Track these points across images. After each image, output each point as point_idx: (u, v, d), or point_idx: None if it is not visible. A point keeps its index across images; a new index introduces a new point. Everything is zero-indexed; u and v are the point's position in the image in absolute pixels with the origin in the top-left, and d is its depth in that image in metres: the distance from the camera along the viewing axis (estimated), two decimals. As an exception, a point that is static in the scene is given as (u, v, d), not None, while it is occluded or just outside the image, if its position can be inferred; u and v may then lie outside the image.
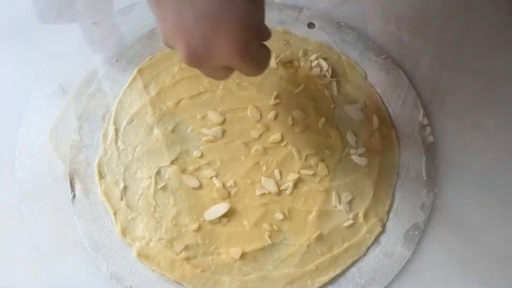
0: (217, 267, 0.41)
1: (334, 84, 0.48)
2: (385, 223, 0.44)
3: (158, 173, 0.44)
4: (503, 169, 0.47)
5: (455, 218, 0.45)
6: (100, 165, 0.45)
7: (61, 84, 0.49)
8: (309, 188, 0.44)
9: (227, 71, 0.34)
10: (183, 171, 0.45)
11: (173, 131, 0.46)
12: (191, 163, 0.45)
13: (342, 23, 0.52)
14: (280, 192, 0.44)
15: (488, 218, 0.45)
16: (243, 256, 0.42)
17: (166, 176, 0.44)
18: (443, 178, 0.46)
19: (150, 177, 0.44)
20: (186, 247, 0.42)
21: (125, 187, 0.44)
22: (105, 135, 0.46)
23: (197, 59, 0.31)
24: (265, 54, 0.34)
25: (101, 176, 0.44)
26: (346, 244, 0.43)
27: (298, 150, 0.46)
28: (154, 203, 0.43)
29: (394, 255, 0.43)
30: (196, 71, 0.48)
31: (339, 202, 0.44)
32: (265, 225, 0.43)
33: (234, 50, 0.31)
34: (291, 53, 0.50)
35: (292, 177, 0.44)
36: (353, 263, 0.42)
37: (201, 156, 0.45)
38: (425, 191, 0.45)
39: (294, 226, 0.43)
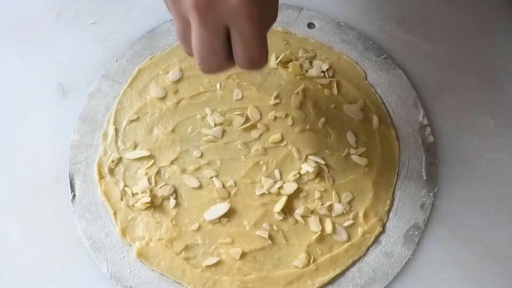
0: (217, 267, 0.41)
1: (334, 84, 0.48)
2: (385, 223, 0.44)
3: (158, 173, 0.44)
4: (503, 169, 0.47)
5: (455, 218, 0.45)
6: (100, 165, 0.45)
7: (61, 84, 0.49)
8: (309, 188, 0.44)
9: (226, 51, 0.31)
10: (183, 171, 0.45)
11: (173, 131, 0.46)
12: (191, 163, 0.45)
13: (342, 23, 0.52)
14: (280, 192, 0.44)
15: (488, 218, 0.45)
16: (243, 256, 0.42)
17: (166, 176, 0.44)
18: (443, 178, 0.46)
19: (150, 177, 0.44)
20: (186, 247, 0.42)
21: (125, 187, 0.44)
22: (105, 135, 0.46)
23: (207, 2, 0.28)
24: (273, 8, 0.32)
25: (101, 176, 0.44)
26: (346, 244, 0.43)
27: (298, 150, 0.46)
28: (154, 203, 0.43)
29: (394, 255, 0.43)
30: (195, 71, 0.49)
31: (339, 202, 0.44)
32: (265, 225, 0.43)
33: None
34: (291, 53, 0.50)
35: (292, 177, 0.44)
36: (353, 263, 0.42)
37: (201, 156, 0.45)
38: (425, 191, 0.45)
39: (294, 226, 0.43)
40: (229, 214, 0.43)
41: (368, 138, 0.47)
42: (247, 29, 0.30)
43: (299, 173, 0.45)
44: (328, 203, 0.44)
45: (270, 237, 0.42)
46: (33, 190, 0.44)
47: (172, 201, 0.43)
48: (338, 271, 0.42)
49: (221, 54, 0.31)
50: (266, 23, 0.32)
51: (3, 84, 0.49)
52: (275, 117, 0.47)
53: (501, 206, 0.45)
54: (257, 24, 0.30)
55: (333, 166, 0.45)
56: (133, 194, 0.44)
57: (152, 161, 0.45)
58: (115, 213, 0.43)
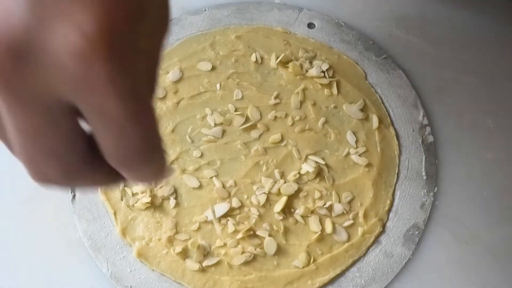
0: (217, 267, 0.41)
1: (334, 84, 0.48)
2: (385, 223, 0.44)
3: (158, 173, 0.44)
4: (503, 169, 0.47)
5: (455, 218, 0.45)
6: (100, 165, 0.45)
7: (61, 84, 0.49)
8: (309, 188, 0.44)
9: (71, 142, 0.15)
10: (183, 171, 0.45)
11: (173, 131, 0.46)
12: (191, 163, 0.45)
13: (342, 23, 0.52)
14: (280, 192, 0.44)
15: (488, 218, 0.45)
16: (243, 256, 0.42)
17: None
18: (443, 178, 0.46)
19: (150, 177, 0.44)
20: (186, 247, 0.42)
21: (125, 187, 0.44)
22: (105, 135, 0.46)
23: (11, 51, 0.13)
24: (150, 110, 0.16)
25: (101, 176, 0.44)
26: (346, 244, 0.43)
27: (298, 150, 0.46)
28: (154, 203, 0.43)
29: (394, 255, 0.43)
30: (196, 71, 0.49)
31: (339, 202, 0.44)
32: (265, 225, 0.43)
33: (92, 23, 0.13)
34: (291, 53, 0.50)
35: (292, 177, 0.44)
36: (353, 263, 0.42)
37: (201, 156, 0.45)
38: (425, 191, 0.45)
39: (294, 226, 0.43)
40: (229, 214, 0.43)
41: (368, 138, 0.47)
42: (112, 109, 0.14)
43: (299, 173, 0.45)
44: (328, 203, 0.44)
45: (270, 237, 0.42)
46: (33, 190, 0.44)
47: (172, 201, 0.43)
48: (338, 271, 0.42)
49: (67, 155, 0.16)
50: (146, 82, 0.16)
51: (3, 84, 0.49)
52: (275, 117, 0.47)
53: (501, 206, 0.45)
54: (129, 94, 0.14)
55: (333, 166, 0.45)
56: (133, 194, 0.44)
57: (152, 161, 0.45)
58: (115, 213, 0.43)
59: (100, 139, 0.15)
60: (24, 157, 0.16)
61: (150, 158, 0.16)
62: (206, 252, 0.42)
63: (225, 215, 0.43)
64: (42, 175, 0.16)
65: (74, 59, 0.13)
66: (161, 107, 0.47)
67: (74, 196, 0.44)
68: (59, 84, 0.13)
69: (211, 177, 0.44)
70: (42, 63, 0.13)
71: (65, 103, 0.14)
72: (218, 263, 0.41)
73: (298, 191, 0.44)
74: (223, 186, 0.44)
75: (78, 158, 0.15)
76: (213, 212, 0.42)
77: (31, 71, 0.13)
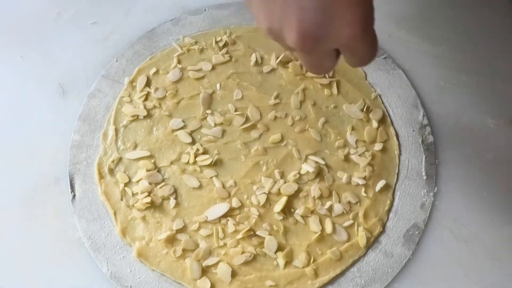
0: (217, 267, 0.41)
1: (334, 84, 0.48)
2: (385, 223, 0.44)
3: (158, 173, 0.44)
4: (503, 169, 0.47)
5: (455, 218, 0.45)
6: (100, 165, 0.45)
7: (61, 84, 0.49)
8: (309, 188, 0.44)
9: (335, 58, 0.31)
10: (183, 171, 0.45)
11: (173, 131, 0.46)
12: (191, 163, 0.45)
13: (342, 23, 0.52)
14: (280, 192, 0.44)
15: (488, 218, 0.45)
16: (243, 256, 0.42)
17: (166, 176, 0.44)
18: (443, 178, 0.46)
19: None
20: (186, 247, 0.42)
21: (125, 187, 0.44)
22: (105, 135, 0.46)
23: (313, 39, 0.28)
24: (375, 37, 0.30)
25: (101, 176, 0.44)
26: (346, 244, 0.43)
27: (298, 150, 0.46)
28: (154, 203, 0.43)
29: (394, 255, 0.43)
30: (196, 74, 0.49)
31: (339, 202, 0.44)
32: (265, 225, 0.43)
33: (357, 22, 0.27)
34: (291, 53, 0.50)
35: (292, 177, 0.44)
36: (353, 263, 0.42)
37: (201, 156, 0.45)
38: (425, 191, 0.45)
39: (294, 226, 0.43)
40: (229, 214, 0.43)
41: (368, 138, 0.47)
42: (361, 52, 0.30)
43: (299, 173, 0.45)
44: (328, 203, 0.44)
45: (270, 236, 0.42)
46: (33, 190, 0.44)
47: (172, 201, 0.43)
48: (338, 271, 0.42)
49: (330, 65, 0.33)
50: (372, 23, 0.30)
51: (3, 84, 0.49)
52: (275, 117, 0.47)
53: (501, 206, 0.45)
54: (370, 43, 0.29)
55: (333, 166, 0.45)
56: (133, 194, 0.44)
57: (152, 161, 0.45)
58: (115, 213, 0.43)
59: (347, 58, 0.32)
60: (307, 68, 0.34)
61: (371, 60, 0.31)
62: (206, 252, 0.42)
63: (225, 215, 0.43)
64: (315, 72, 0.35)
65: (349, 38, 0.28)
66: (161, 107, 0.47)
67: (74, 196, 0.44)
68: (334, 46, 0.29)
69: (211, 177, 0.44)
70: (328, 42, 0.28)
71: (331, 48, 0.30)
72: (218, 263, 0.41)
73: (298, 191, 0.44)
74: (223, 186, 0.44)
75: (333, 63, 0.32)
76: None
77: (321, 45, 0.28)
